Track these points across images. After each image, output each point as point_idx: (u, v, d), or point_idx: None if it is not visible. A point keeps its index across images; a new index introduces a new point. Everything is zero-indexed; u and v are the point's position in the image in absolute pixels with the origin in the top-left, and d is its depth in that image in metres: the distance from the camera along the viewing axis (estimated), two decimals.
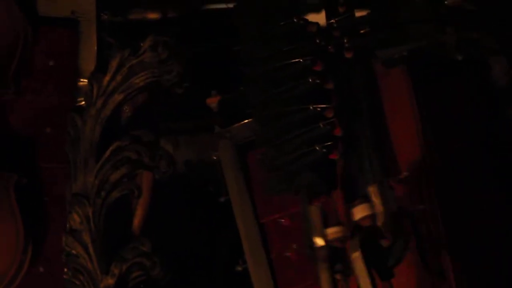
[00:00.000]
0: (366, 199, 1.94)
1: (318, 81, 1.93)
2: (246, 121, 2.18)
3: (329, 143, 1.92)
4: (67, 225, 2.08)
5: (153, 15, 2.38)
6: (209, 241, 2.35)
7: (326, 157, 1.92)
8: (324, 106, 1.92)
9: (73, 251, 2.04)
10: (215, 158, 2.22)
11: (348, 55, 1.94)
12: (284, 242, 2.15)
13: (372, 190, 1.94)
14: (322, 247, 1.99)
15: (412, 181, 1.95)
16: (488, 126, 2.02)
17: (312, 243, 2.00)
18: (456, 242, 1.91)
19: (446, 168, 1.96)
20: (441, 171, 1.95)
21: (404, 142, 1.96)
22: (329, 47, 1.95)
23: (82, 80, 2.22)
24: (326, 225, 2.00)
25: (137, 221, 2.14)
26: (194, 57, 2.20)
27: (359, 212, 1.94)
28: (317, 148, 1.92)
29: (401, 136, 1.97)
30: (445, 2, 1.94)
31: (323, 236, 1.99)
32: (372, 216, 1.93)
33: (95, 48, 2.24)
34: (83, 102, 2.16)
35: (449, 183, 1.95)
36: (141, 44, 2.13)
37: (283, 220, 2.15)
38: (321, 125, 1.92)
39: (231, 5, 2.20)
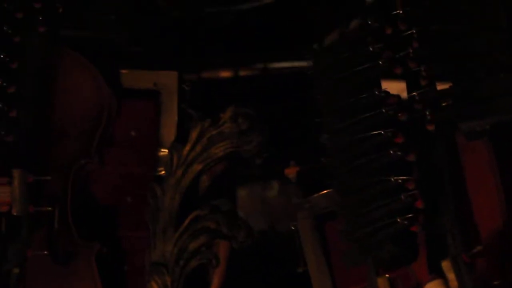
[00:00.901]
0: (441, 274, 1.91)
1: (399, 153, 1.93)
2: (325, 191, 2.18)
3: (411, 215, 1.91)
4: None
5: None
6: None
7: (407, 229, 1.91)
8: (406, 178, 1.92)
9: None
10: (293, 228, 2.22)
11: (430, 127, 1.94)
12: None
13: (446, 265, 1.90)
14: None
15: (494, 255, 1.92)
16: None
17: None
18: None
19: None
20: None
21: (487, 215, 1.94)
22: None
23: (162, 150, 2.25)
24: None
25: None
26: (272, 127, 2.22)
27: None
28: (398, 220, 1.91)
29: (484, 209, 1.94)
30: None
31: None
32: None
33: (176, 118, 2.28)
34: (163, 172, 2.20)
35: None
36: (221, 115, 2.17)
37: None
38: (403, 197, 1.92)
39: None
